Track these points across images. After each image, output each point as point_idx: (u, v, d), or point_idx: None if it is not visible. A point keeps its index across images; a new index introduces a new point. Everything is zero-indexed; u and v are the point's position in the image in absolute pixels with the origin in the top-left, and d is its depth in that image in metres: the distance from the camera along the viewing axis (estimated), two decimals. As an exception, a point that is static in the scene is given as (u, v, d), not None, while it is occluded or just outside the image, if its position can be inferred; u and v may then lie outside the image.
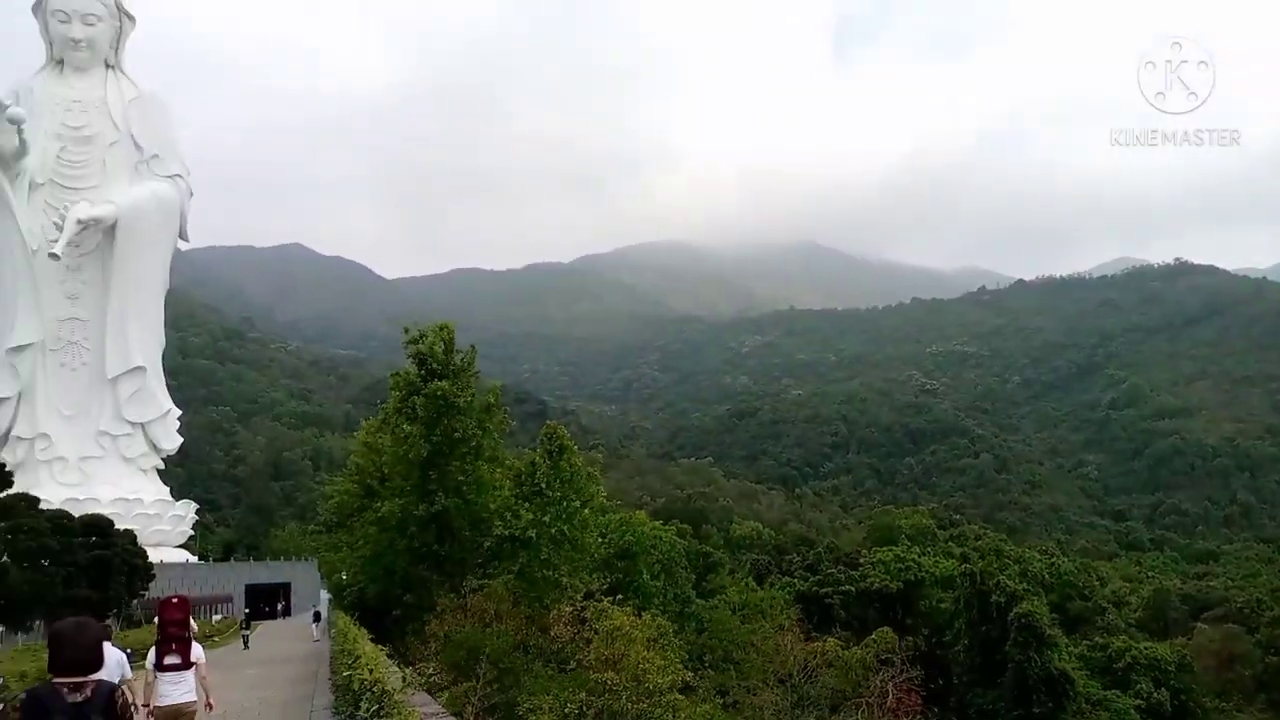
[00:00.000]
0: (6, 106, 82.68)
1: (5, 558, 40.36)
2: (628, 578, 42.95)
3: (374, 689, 7.24)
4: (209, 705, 11.71)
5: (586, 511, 30.86)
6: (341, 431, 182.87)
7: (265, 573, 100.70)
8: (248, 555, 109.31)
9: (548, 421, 35.62)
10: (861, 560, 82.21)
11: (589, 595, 26.10)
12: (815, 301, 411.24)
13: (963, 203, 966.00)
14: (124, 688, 7.50)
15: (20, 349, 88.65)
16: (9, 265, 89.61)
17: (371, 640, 15.70)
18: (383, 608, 30.84)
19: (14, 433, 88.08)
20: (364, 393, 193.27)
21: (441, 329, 28.18)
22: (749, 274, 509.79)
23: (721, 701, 26.79)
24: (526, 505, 28.58)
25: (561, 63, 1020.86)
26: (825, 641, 34.36)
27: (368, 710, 6.95)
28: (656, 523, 57.19)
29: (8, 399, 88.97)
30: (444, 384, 26.42)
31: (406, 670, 7.41)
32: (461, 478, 26.62)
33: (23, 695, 6.07)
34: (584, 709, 10.91)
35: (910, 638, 53.39)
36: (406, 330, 28.34)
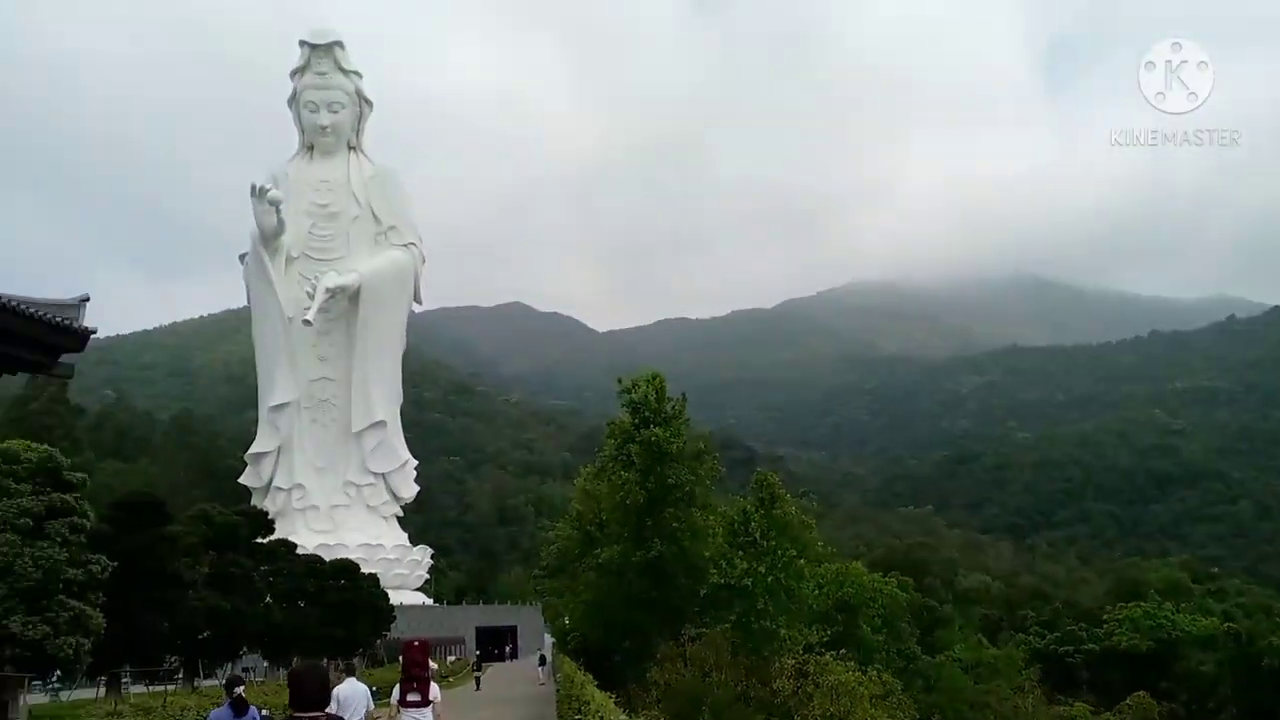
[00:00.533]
0: (268, 190, 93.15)
1: (269, 598, 44.40)
2: (847, 631, 41.68)
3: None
4: None
5: (802, 561, 30.37)
6: (561, 479, 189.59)
7: (494, 616, 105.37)
8: (478, 599, 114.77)
9: (758, 469, 35.47)
10: (1105, 617, 75.90)
11: (809, 648, 25.59)
12: (1039, 338, 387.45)
13: (1203, 226, 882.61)
14: None
15: (280, 407, 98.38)
16: (269, 332, 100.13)
17: (597, 686, 16.11)
18: (604, 653, 31.48)
19: (274, 483, 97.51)
20: (581, 441, 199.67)
21: (653, 378, 28.86)
22: (964, 311, 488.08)
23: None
24: (740, 554, 28.52)
25: (766, 109, 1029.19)
26: (1073, 705, 31.76)
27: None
28: (876, 574, 55.23)
29: (269, 453, 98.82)
30: (657, 431, 26.99)
31: (634, 718, 7.54)
32: (676, 524, 26.94)
33: None
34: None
35: (1167, 703, 48.41)
36: (619, 380, 29.22)
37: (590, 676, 19.15)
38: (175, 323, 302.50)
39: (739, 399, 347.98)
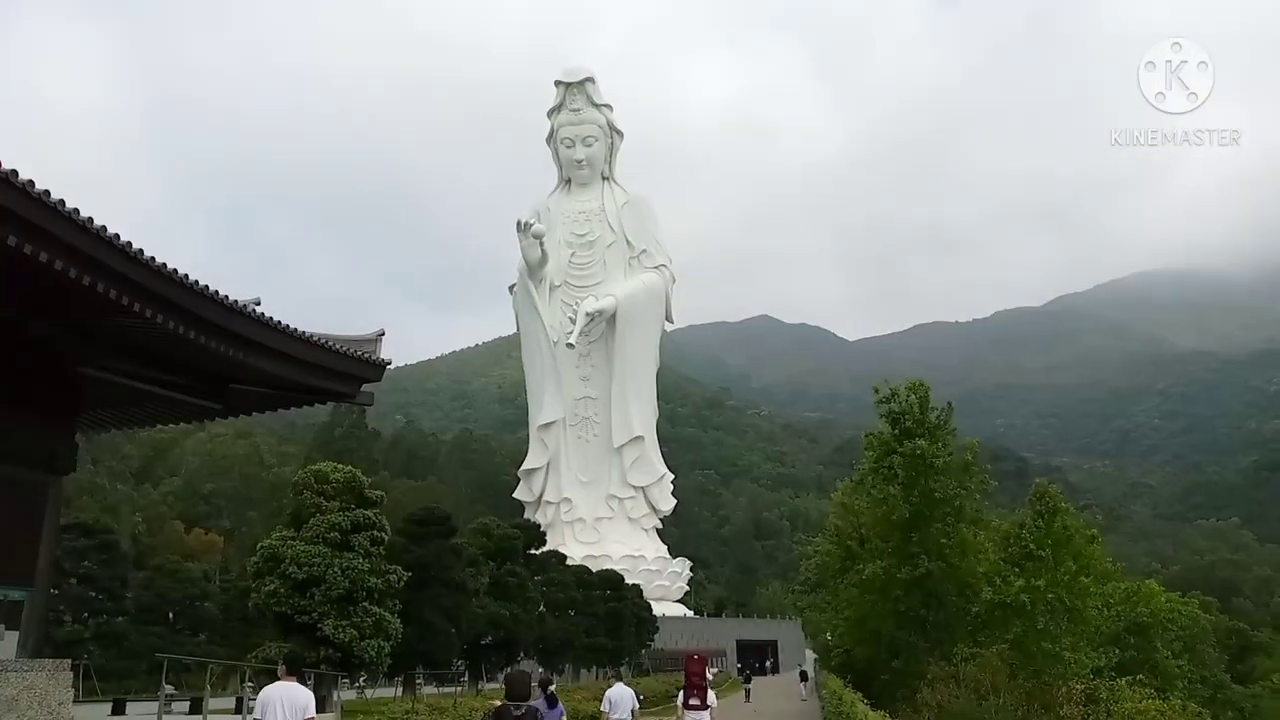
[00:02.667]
0: (531, 224, 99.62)
1: (542, 607, 47.00)
2: (1141, 655, 37.94)
3: None
4: None
5: (1085, 578, 27.99)
6: (815, 492, 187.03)
7: (753, 629, 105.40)
8: (736, 612, 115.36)
9: (1037, 480, 33.14)
10: None
11: (1096, 673, 23.58)
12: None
13: None
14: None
15: (547, 426, 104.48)
16: (537, 355, 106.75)
17: (867, 704, 15.71)
18: (870, 671, 30.60)
19: (544, 497, 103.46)
20: (834, 454, 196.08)
21: (916, 386, 27.77)
22: (1273, 299, 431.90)
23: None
24: (1016, 570, 26.74)
25: (1021, 96, 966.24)
26: None
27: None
28: (1173, 594, 49.91)
29: (539, 468, 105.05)
30: (921, 443, 25.94)
31: None
32: (944, 540, 25.69)
33: (494, 707, 9.33)
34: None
35: None
36: (877, 389, 28.34)
37: (859, 695, 18.66)
38: (454, 351, 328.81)
39: (1009, 406, 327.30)
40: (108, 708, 26.32)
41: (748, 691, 48.81)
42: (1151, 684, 21.98)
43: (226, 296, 16.97)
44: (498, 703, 9.16)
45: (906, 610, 26.33)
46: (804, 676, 57.84)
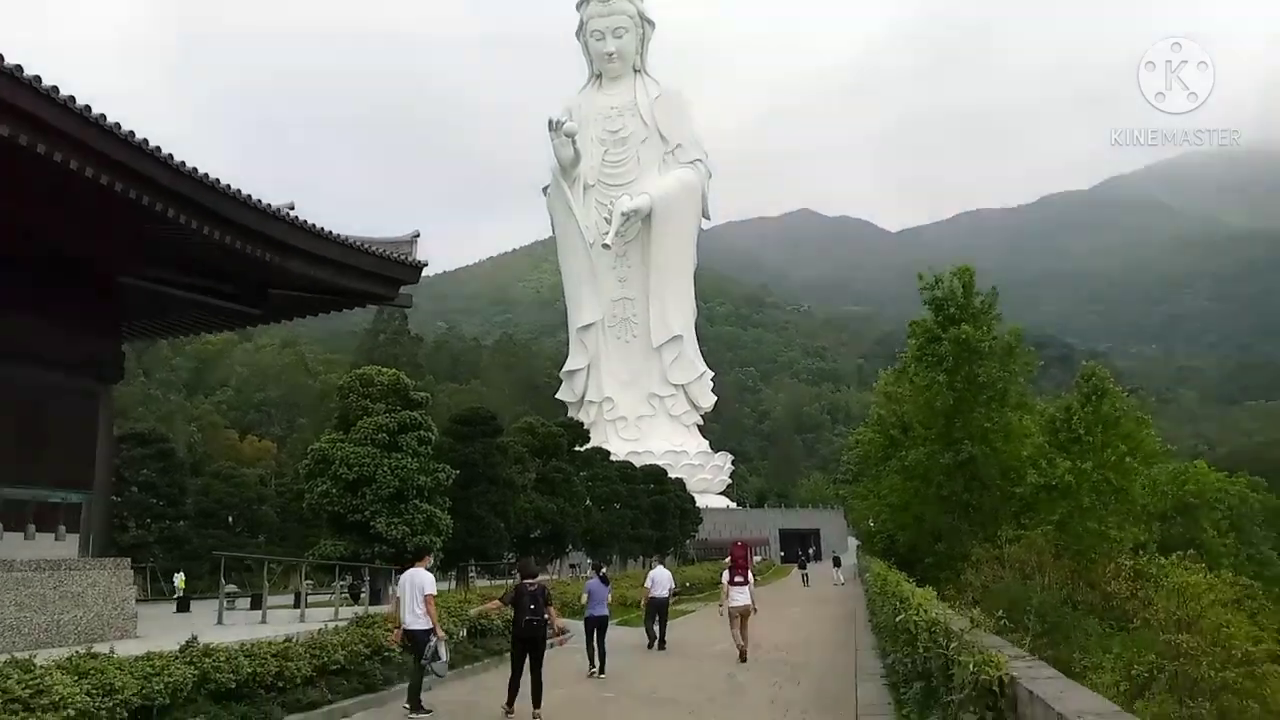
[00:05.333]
0: (563, 123, 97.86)
1: (589, 501, 47.96)
2: (1187, 533, 37.95)
3: (934, 628, 7.23)
4: (754, 609, 17.82)
5: (1131, 460, 27.79)
6: (855, 386, 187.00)
7: (796, 519, 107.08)
8: (778, 503, 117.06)
9: (1084, 363, 32.65)
10: None
11: (1140, 547, 23.63)
12: None
13: None
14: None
15: (587, 328, 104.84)
16: (573, 257, 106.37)
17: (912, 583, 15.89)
18: (912, 555, 30.95)
19: (586, 397, 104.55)
20: (875, 346, 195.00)
21: (961, 271, 27.19)
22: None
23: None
24: (1063, 453, 26.59)
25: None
26: None
27: (929, 648, 6.99)
28: (1221, 473, 49.53)
29: (580, 369, 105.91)
30: (966, 328, 25.55)
31: (974, 611, 7.29)
32: (988, 425, 25.54)
33: (514, 585, 12.18)
34: (1154, 672, 9.85)
35: None
36: (921, 277, 27.81)
37: (904, 575, 18.91)
38: (493, 256, 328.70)
39: (1054, 293, 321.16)
40: (173, 606, 27.55)
41: (805, 576, 52.09)
42: (1197, 561, 21.95)
43: (260, 200, 16.92)
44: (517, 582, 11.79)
45: (950, 495, 26.40)
46: (837, 563, 60.13)
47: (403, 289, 21.89)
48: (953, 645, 6.09)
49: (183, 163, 14.73)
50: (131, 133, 13.60)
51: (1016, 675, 4.44)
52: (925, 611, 8.10)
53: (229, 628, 16.26)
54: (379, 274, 20.62)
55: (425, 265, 21.68)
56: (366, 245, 20.04)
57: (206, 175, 15.32)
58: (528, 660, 11.33)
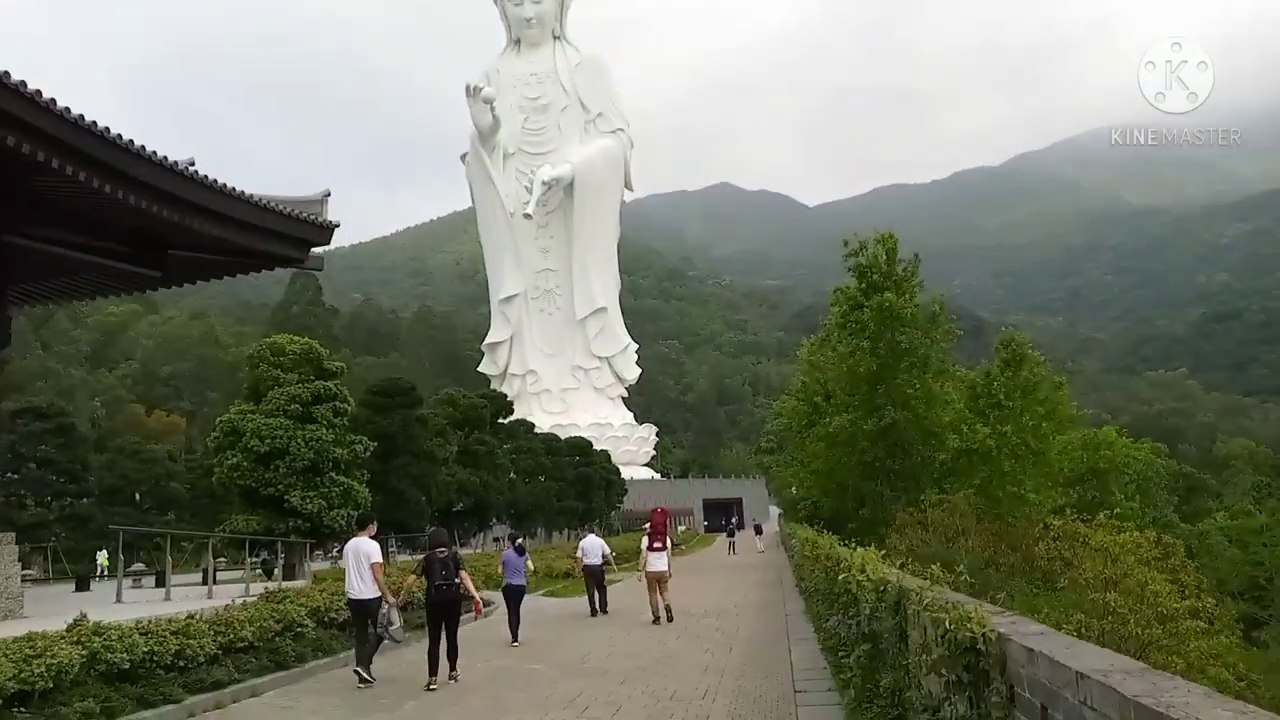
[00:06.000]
0: (481, 89, 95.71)
1: (512, 474, 47.33)
2: (1096, 497, 39.22)
3: (883, 588, 6.94)
4: (669, 574, 18.40)
5: (1048, 424, 28.42)
6: (776, 358, 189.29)
7: (719, 489, 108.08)
8: (702, 473, 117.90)
9: (1003, 328, 33.24)
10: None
11: (1057, 511, 24.15)
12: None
13: None
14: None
15: (509, 299, 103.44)
16: (494, 228, 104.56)
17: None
18: (836, 521, 31.18)
19: (510, 370, 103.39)
20: (794, 320, 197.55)
21: (884, 238, 27.25)
22: (1228, 150, 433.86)
23: (1241, 633, 23.36)
24: (983, 419, 27.01)
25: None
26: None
27: (875, 608, 6.71)
28: (1129, 440, 51.42)
29: (502, 342, 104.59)
30: (889, 295, 25.63)
31: (933, 568, 7.06)
32: (910, 391, 25.75)
33: (423, 556, 12.26)
34: (1082, 631, 9.87)
35: None
36: (845, 243, 27.74)
37: (835, 538, 18.89)
38: (410, 227, 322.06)
39: (966, 266, 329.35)
40: (72, 586, 26.17)
41: (732, 545, 52.75)
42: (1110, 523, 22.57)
43: (156, 153, 15.80)
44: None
45: (873, 461, 26.61)
46: (759, 530, 61.00)
47: (314, 250, 20.89)
48: (913, 604, 5.80)
49: (67, 108, 13.63)
50: (6, 73, 12.47)
51: (1004, 631, 4.12)
52: (872, 571, 7.84)
53: (129, 606, 15.30)
54: (288, 234, 19.60)
55: (337, 226, 20.69)
56: (274, 204, 19.00)
57: (95, 123, 14.23)
58: (444, 629, 11.53)
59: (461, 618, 12.02)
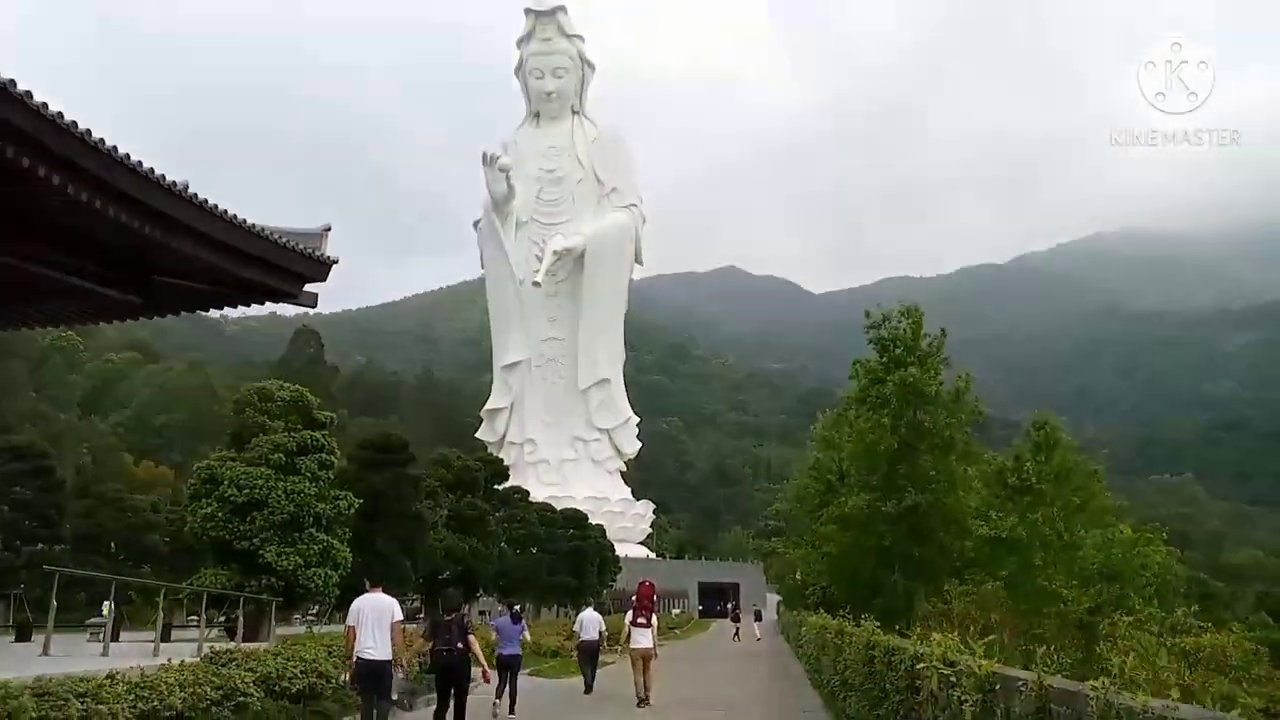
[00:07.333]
0: (497, 157, 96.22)
1: (504, 543, 45.30)
2: (1115, 600, 37.17)
3: (944, 666, 5.51)
4: (655, 653, 17.70)
5: (1081, 515, 26.76)
6: (777, 441, 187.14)
7: (715, 572, 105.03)
8: (698, 555, 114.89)
9: (1033, 412, 31.78)
10: None
11: (1094, 610, 22.35)
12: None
13: None
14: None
15: (512, 366, 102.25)
16: (502, 294, 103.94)
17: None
18: (849, 609, 29.22)
19: (508, 438, 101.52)
20: (797, 404, 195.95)
21: (910, 310, 26.02)
22: (1233, 259, 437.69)
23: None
24: (1011, 504, 25.38)
25: (981, 60, 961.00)
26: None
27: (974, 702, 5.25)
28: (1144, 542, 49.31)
29: (502, 409, 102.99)
30: (913, 370, 24.26)
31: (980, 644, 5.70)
32: (933, 473, 24.21)
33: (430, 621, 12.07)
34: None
35: None
36: (868, 314, 26.52)
37: (873, 624, 17.15)
38: (419, 293, 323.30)
39: (970, 360, 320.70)
40: (12, 636, 24.29)
41: (737, 631, 51.11)
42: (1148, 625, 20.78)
43: (141, 163, 14.65)
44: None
45: (891, 545, 24.85)
46: (758, 617, 58.98)
47: (308, 288, 19.65)
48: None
49: (44, 104, 12.50)
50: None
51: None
52: (970, 661, 6.31)
53: (55, 659, 13.55)
54: (282, 266, 18.27)
55: (335, 261, 19.39)
56: (269, 233, 17.81)
57: (75, 123, 13.09)
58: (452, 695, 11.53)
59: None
